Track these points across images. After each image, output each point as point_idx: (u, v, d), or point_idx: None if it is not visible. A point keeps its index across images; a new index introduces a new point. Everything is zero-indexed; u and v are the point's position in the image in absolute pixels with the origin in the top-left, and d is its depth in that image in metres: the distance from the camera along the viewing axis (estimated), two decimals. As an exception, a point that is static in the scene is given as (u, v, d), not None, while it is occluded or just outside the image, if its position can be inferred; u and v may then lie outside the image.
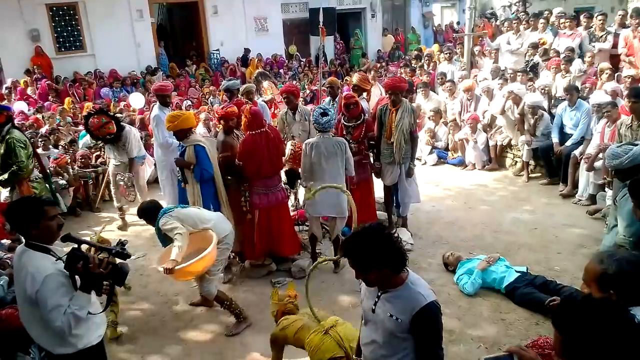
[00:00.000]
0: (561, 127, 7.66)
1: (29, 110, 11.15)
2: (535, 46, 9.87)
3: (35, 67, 13.36)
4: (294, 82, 13.00)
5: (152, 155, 8.87)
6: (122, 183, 6.84)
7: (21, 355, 3.60)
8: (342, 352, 2.98)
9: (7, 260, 4.81)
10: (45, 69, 13.57)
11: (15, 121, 9.68)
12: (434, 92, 10.39)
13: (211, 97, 12.17)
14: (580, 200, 7.06)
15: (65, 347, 2.80)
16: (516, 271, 4.96)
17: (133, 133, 6.98)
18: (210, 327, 4.75)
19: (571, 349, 1.54)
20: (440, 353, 2.35)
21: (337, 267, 5.61)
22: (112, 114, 7.12)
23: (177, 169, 5.46)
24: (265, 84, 8.48)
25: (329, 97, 7.03)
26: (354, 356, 2.92)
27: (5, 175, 5.71)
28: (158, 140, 6.65)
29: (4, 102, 11.51)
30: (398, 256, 2.28)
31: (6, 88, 12.56)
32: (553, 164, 7.80)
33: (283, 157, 5.57)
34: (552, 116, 7.96)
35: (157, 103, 6.86)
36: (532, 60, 9.65)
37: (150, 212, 4.60)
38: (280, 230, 5.48)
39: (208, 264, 4.30)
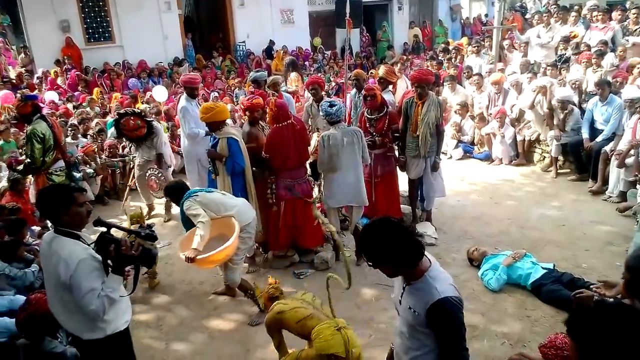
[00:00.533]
0: (592, 123, 7.49)
1: (59, 100, 11.35)
2: (566, 40, 9.67)
3: (65, 57, 13.61)
4: (319, 74, 12.97)
5: (178, 146, 9.00)
6: (153, 177, 6.71)
7: (49, 340, 3.69)
8: (345, 353, 3.02)
9: (37, 247, 4.92)
10: (75, 60, 13.81)
11: (45, 111, 9.97)
12: (461, 85, 10.26)
13: (237, 89, 12.22)
14: (610, 197, 6.91)
15: (94, 333, 2.85)
16: (543, 268, 4.88)
17: (160, 129, 7.02)
18: (233, 316, 4.80)
19: (587, 357, 1.50)
20: (465, 353, 2.26)
21: (360, 260, 5.60)
22: (144, 115, 6.98)
23: (208, 160, 5.49)
24: (293, 75, 8.47)
25: (355, 90, 7.00)
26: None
27: (20, 167, 5.89)
28: (185, 131, 6.72)
29: (35, 92, 11.78)
30: (409, 252, 2.20)
31: (37, 78, 12.82)
32: (582, 160, 7.64)
33: (309, 148, 5.58)
34: (582, 111, 7.79)
35: (184, 94, 6.90)
36: (564, 54, 9.45)
37: (176, 192, 4.66)
38: (305, 221, 5.50)
39: (230, 253, 4.34)
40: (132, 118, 6.54)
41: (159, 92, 10.94)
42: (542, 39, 10.36)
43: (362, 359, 3.22)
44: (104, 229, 2.82)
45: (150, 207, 7.34)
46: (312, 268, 5.55)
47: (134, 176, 7.32)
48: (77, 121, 8.98)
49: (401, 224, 2.26)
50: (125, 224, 5.31)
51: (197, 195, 4.51)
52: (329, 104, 5.24)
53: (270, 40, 16.29)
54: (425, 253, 2.29)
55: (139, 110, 7.16)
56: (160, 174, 6.66)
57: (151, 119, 7.06)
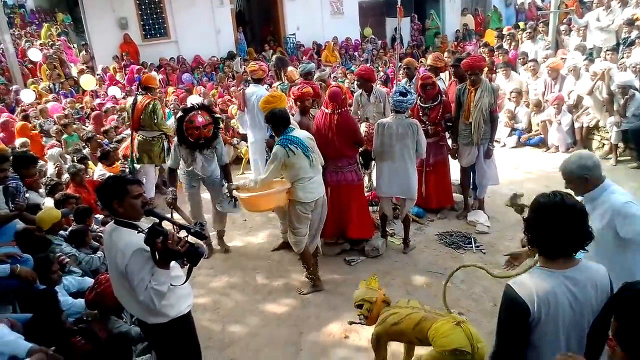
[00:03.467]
0: (655, 107, 7.17)
1: (120, 94, 11.85)
2: (630, 22, 9.25)
3: (123, 54, 14.16)
4: (368, 64, 12.95)
5: (232, 137, 9.23)
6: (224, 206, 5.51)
7: (114, 319, 3.91)
8: (470, 347, 2.84)
9: (101, 234, 5.19)
10: (132, 56, 14.35)
11: (109, 105, 10.44)
12: (516, 72, 10.00)
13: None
14: (675, 185, 6.61)
15: (158, 317, 2.93)
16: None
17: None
18: (287, 301, 4.92)
19: (627, 336, 1.47)
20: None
21: (407, 247, 5.62)
22: (213, 111, 5.79)
23: (266, 149, 5.60)
24: (290, 69, 8.35)
25: (406, 79, 6.97)
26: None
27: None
28: (256, 120, 6.64)
29: (95, 87, 12.35)
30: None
31: (97, 74, 13.40)
32: (645, 147, 7.33)
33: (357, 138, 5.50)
34: (645, 96, 7.46)
35: (252, 83, 6.93)
36: (628, 37, 9.04)
37: (279, 122, 4.62)
38: (350, 210, 5.47)
39: (275, 204, 4.76)
40: (200, 112, 5.23)
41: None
42: (601, 22, 9.95)
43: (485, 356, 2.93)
44: (156, 220, 2.81)
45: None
46: (363, 255, 5.60)
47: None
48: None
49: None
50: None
51: (295, 146, 4.48)
52: (399, 92, 5.18)
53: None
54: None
55: (203, 104, 5.87)
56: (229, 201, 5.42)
57: (219, 116, 6.47)
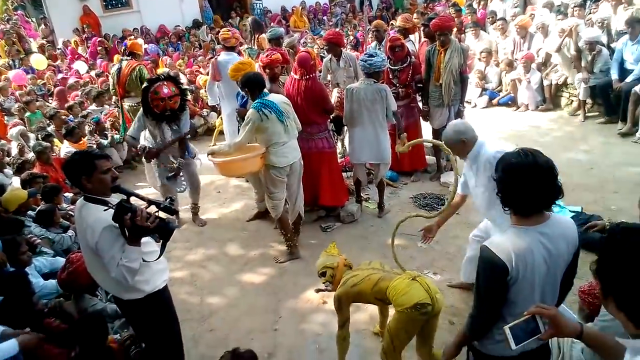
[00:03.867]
0: (621, 63, 7.24)
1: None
2: (595, -23, 9.23)
3: (84, 26, 13.67)
4: (337, 29, 12.76)
5: (201, 108, 9.07)
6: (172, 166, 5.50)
7: (89, 297, 3.85)
8: (429, 299, 2.87)
9: (71, 213, 5.09)
10: (94, 28, 13.88)
11: (72, 80, 10.12)
12: (485, 31, 9.98)
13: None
14: (641, 138, 6.75)
15: (133, 293, 2.89)
16: (570, 211, 4.85)
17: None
18: (264, 270, 4.93)
19: (600, 268, 1.46)
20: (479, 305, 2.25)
21: (382, 211, 5.65)
22: (179, 82, 5.59)
23: (237, 119, 5.49)
24: (262, 35, 8.13)
25: (375, 42, 6.88)
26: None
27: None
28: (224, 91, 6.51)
29: (57, 63, 11.93)
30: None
31: (58, 49, 12.93)
32: (611, 102, 7.44)
33: (326, 106, 5.40)
34: (612, 51, 7.52)
35: (224, 51, 6.74)
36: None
37: (254, 85, 4.54)
38: (322, 177, 5.43)
39: (249, 169, 4.78)
40: (165, 83, 5.13)
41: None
42: (568, -22, 9.92)
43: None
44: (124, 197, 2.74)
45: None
46: (339, 221, 5.61)
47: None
48: (102, 89, 9.08)
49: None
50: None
51: (269, 111, 4.43)
52: (369, 54, 5.11)
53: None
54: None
55: (170, 75, 5.71)
56: (179, 166, 5.45)
57: (186, 87, 6.30)
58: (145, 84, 5.28)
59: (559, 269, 2.14)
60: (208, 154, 4.74)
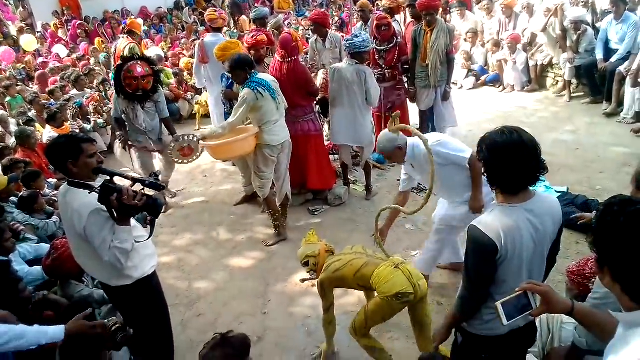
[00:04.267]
0: (606, 43, 7.25)
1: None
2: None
3: (64, 8, 13.37)
4: (323, 9, 12.62)
5: (185, 92, 8.96)
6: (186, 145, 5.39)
7: (75, 283, 3.80)
8: (411, 288, 2.86)
9: (55, 198, 5.01)
10: (73, 10, 13.60)
11: (52, 64, 9.92)
12: (471, 11, 9.92)
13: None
14: (625, 118, 6.80)
15: (122, 279, 2.84)
16: (556, 191, 4.88)
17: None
18: (252, 254, 4.91)
19: (596, 241, 1.43)
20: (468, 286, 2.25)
21: (369, 194, 5.64)
22: (153, 62, 5.55)
23: (223, 101, 5.41)
24: (242, 17, 8.06)
25: (361, 22, 6.81)
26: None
27: None
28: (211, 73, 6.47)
29: (37, 46, 11.68)
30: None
31: (37, 32, 12.64)
32: (596, 82, 7.48)
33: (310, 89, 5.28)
34: (597, 31, 7.53)
35: (212, 32, 6.68)
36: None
37: (244, 65, 4.47)
38: (308, 161, 5.39)
39: (237, 152, 4.71)
40: (139, 63, 5.21)
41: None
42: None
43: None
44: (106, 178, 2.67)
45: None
46: (327, 204, 5.60)
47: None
48: (83, 72, 8.92)
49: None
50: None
51: (263, 89, 4.42)
52: (353, 35, 5.05)
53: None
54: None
55: (145, 55, 5.90)
56: (191, 137, 5.33)
57: (159, 68, 6.08)
58: (119, 62, 5.34)
59: (546, 246, 2.15)
60: (199, 139, 4.67)
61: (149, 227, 2.90)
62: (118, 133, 5.46)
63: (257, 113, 4.50)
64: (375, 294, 3.04)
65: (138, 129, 5.42)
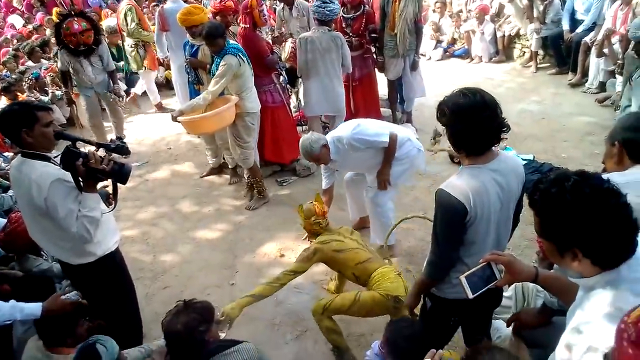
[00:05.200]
0: (572, 13, 7.30)
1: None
2: None
3: (18, -24, 12.71)
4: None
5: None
6: (118, 98, 6.31)
7: (33, 257, 3.65)
8: (404, 298, 2.84)
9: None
10: (29, -22, 12.91)
11: (8, 35, 9.47)
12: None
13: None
14: (590, 88, 6.88)
15: (84, 257, 2.71)
16: (522, 159, 4.91)
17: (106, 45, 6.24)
18: (219, 226, 4.82)
19: (548, 228, 1.44)
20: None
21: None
22: (91, 18, 5.97)
23: (187, 69, 5.22)
24: None
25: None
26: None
27: None
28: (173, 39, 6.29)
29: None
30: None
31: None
32: (562, 53, 7.54)
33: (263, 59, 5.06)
34: (563, 2, 7.56)
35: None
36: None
37: (218, 32, 4.31)
38: (264, 133, 5.20)
39: (221, 124, 4.49)
40: (76, 19, 5.50)
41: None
42: None
43: None
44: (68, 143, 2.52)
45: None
46: (295, 175, 5.52)
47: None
48: (37, 44, 8.52)
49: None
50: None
51: (242, 54, 4.37)
52: (322, 1, 4.90)
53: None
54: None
55: (82, 10, 6.30)
56: (118, 91, 6.18)
57: (96, 22, 6.30)
58: (57, 21, 5.72)
59: (512, 204, 2.15)
60: (176, 116, 4.42)
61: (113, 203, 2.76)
62: (64, 89, 5.99)
63: (238, 80, 4.40)
64: (373, 290, 2.99)
65: (86, 83, 5.83)
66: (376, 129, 3.65)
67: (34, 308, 2.47)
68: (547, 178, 1.45)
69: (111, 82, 6.12)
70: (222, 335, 2.81)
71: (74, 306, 2.52)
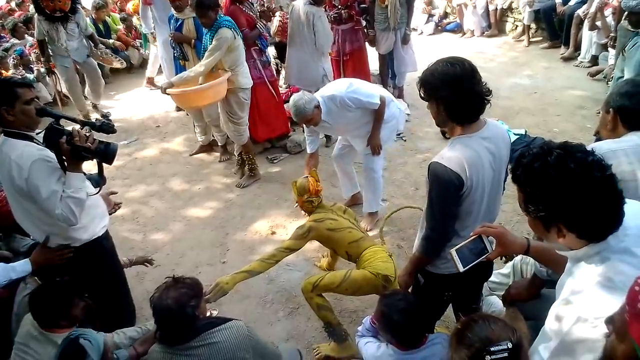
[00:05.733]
0: (565, -15, 7.22)
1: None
2: None
3: (-1, -50, 12.36)
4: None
5: (134, 39, 8.51)
6: (105, 56, 6.47)
7: (20, 237, 3.58)
8: (394, 279, 2.85)
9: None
10: (10, -48, 12.56)
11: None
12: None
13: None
14: (582, 62, 6.84)
15: (68, 242, 2.62)
16: (514, 134, 4.88)
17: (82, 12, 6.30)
18: (210, 204, 4.78)
19: (532, 204, 1.40)
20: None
21: (329, 140, 5.51)
22: None
23: (172, 44, 5.10)
24: None
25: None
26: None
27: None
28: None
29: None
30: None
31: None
32: (555, 26, 7.48)
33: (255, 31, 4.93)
34: (556, -26, 7.47)
35: None
36: None
37: (211, 4, 4.22)
38: (257, 109, 5.11)
39: (213, 98, 4.41)
40: None
41: None
42: None
43: None
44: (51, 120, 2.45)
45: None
46: (285, 152, 5.47)
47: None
48: (21, 20, 8.33)
49: None
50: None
51: (236, 31, 4.29)
52: None
53: None
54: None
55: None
56: (104, 51, 6.39)
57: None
58: None
59: (503, 170, 2.14)
60: (165, 87, 4.33)
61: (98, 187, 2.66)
62: (42, 58, 6.06)
63: (232, 53, 4.32)
64: (363, 267, 2.96)
65: (62, 52, 5.86)
66: (368, 89, 3.66)
67: (24, 264, 2.52)
68: (530, 152, 1.41)
69: (92, 45, 6.21)
70: (215, 313, 2.80)
71: (61, 257, 2.57)
